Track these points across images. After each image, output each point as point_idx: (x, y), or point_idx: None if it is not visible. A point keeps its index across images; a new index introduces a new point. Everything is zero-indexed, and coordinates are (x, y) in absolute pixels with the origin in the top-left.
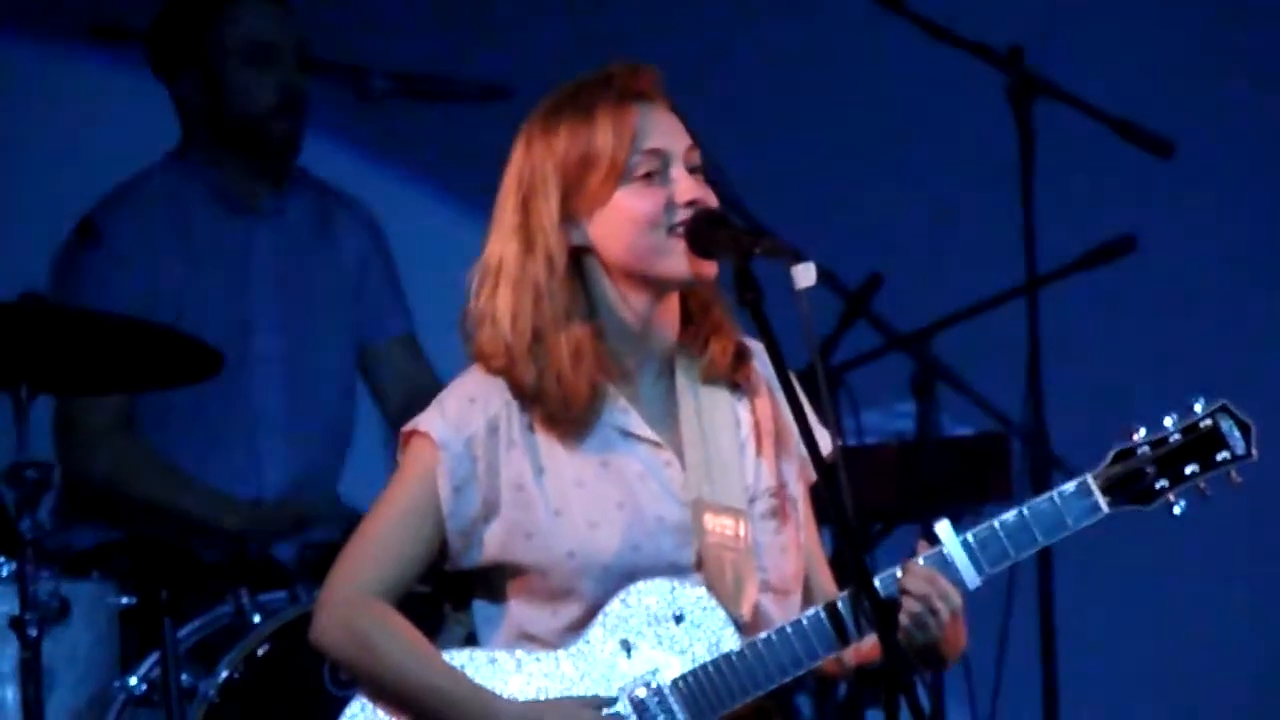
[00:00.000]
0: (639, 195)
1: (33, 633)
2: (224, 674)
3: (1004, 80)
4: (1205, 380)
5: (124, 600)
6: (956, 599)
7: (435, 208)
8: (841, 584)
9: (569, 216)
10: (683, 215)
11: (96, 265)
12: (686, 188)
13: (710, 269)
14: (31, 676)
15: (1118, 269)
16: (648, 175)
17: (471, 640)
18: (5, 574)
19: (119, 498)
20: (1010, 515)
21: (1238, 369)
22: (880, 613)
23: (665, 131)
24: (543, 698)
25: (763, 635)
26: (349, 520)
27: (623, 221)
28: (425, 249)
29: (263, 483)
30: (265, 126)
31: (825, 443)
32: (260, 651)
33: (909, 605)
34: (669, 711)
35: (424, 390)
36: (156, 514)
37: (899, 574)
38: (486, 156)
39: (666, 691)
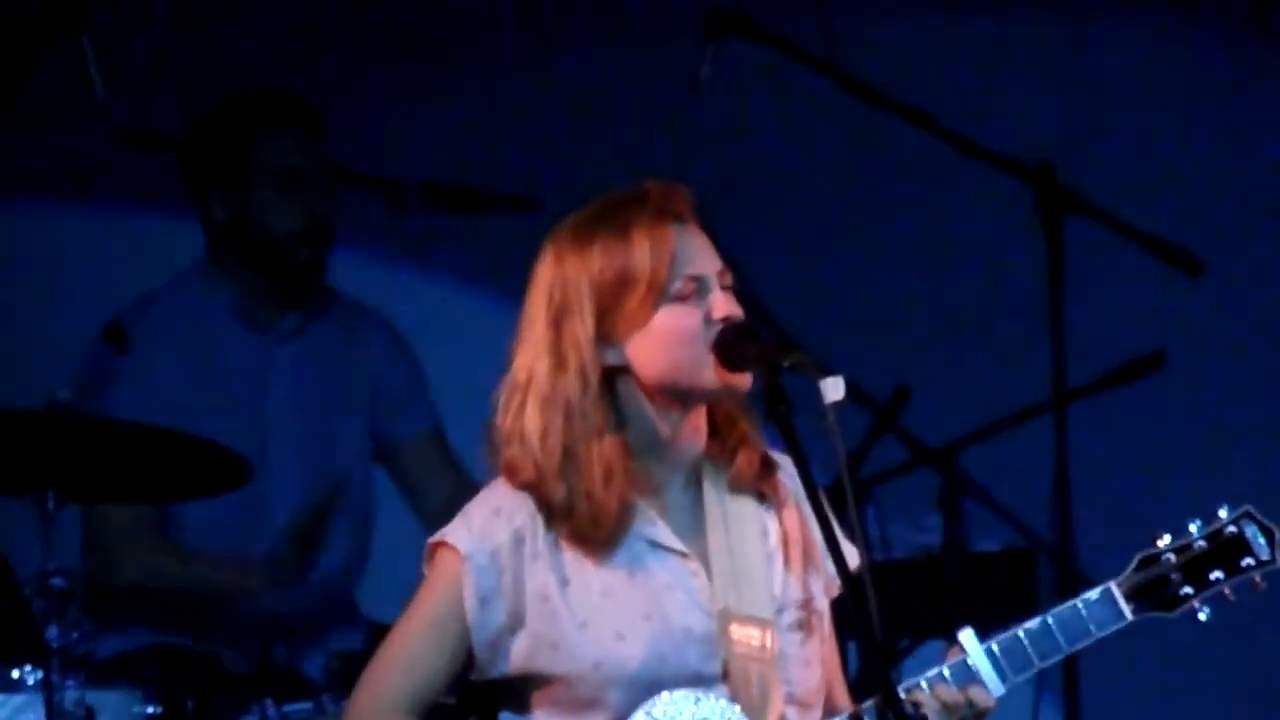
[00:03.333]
0: (679, 315)
1: None
2: None
3: (1034, 195)
4: (1232, 496)
5: (150, 709)
6: (989, 703)
7: (465, 318)
8: (864, 698)
9: (604, 336)
10: (716, 330)
11: (122, 372)
12: (722, 304)
13: (745, 380)
14: None
15: (1146, 385)
16: (685, 297)
17: None
18: (31, 683)
19: (147, 600)
20: (1034, 623)
21: (1265, 486)
22: None
23: (702, 255)
24: None
25: None
26: (373, 629)
27: (663, 341)
28: (453, 359)
29: (280, 593)
30: (289, 251)
31: (852, 557)
32: None
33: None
34: None
35: (452, 484)
36: (187, 606)
37: (927, 689)
38: (516, 267)
39: None
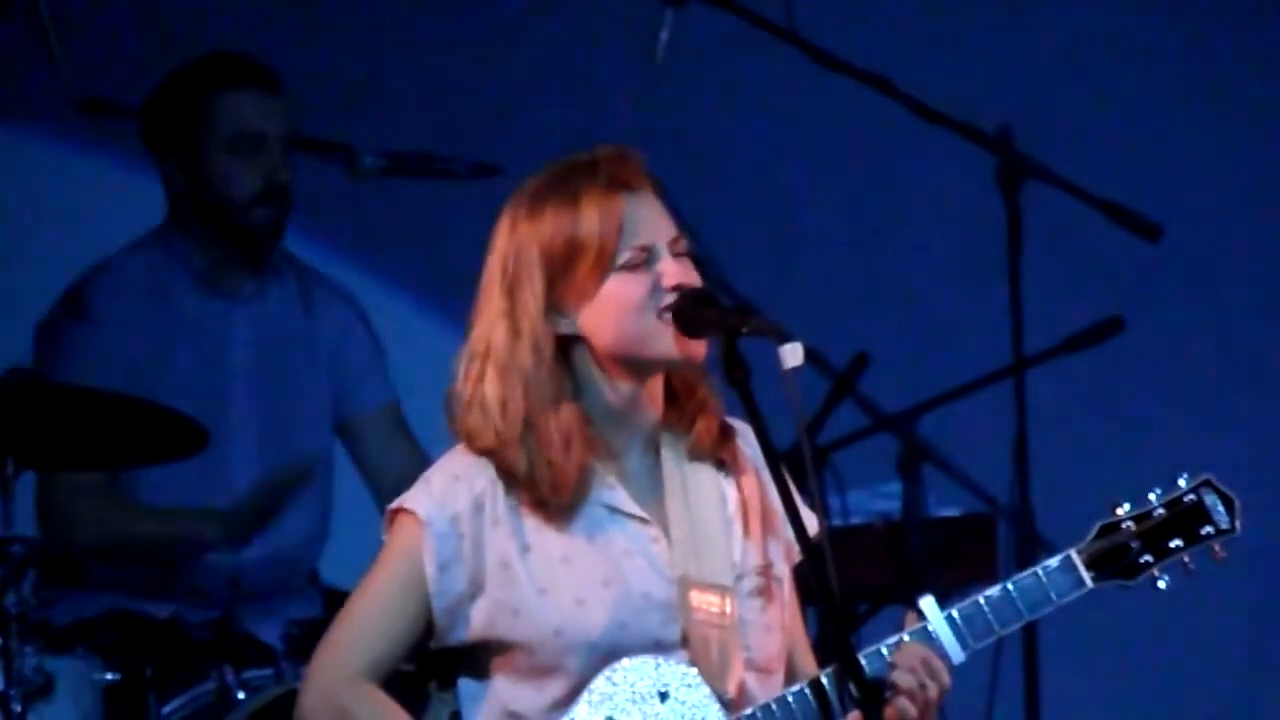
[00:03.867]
0: (626, 283)
1: (17, 709)
2: None
3: (993, 161)
4: (1192, 461)
5: (108, 676)
6: (945, 678)
7: (423, 288)
8: (825, 663)
9: (554, 305)
10: (669, 299)
11: (81, 339)
12: (672, 272)
13: (699, 349)
14: None
15: (1104, 350)
16: (635, 265)
17: (456, 719)
18: None
19: (106, 554)
20: (995, 590)
21: (1223, 451)
22: (866, 693)
23: (652, 224)
24: None
25: (747, 712)
26: (332, 596)
27: (611, 310)
28: (411, 330)
29: (238, 559)
30: (247, 214)
31: (811, 523)
32: None
33: (901, 680)
34: None
35: (409, 458)
36: (142, 553)
37: (886, 651)
38: (474, 234)
39: None
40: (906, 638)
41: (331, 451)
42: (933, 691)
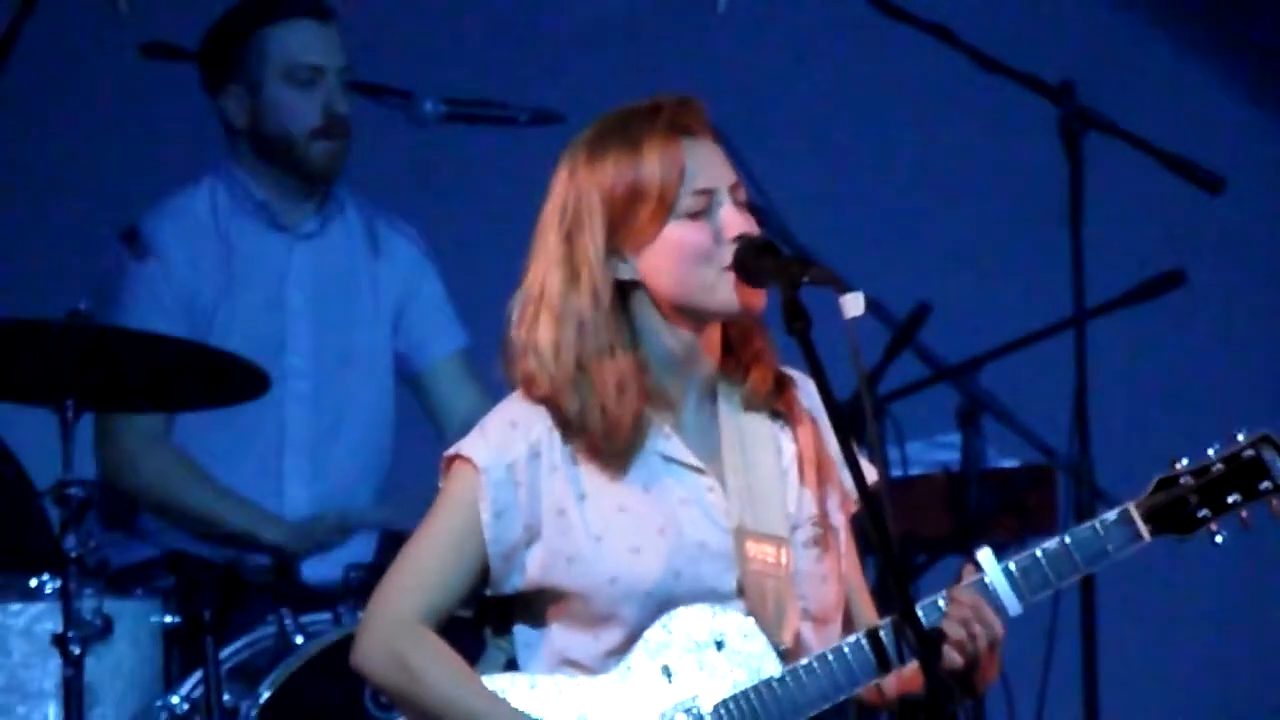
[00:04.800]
0: (688, 231)
1: (76, 650)
2: (265, 694)
3: (1055, 113)
4: (1251, 415)
5: (167, 619)
6: (998, 629)
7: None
8: (884, 614)
9: (615, 250)
10: (730, 251)
11: (143, 277)
12: (734, 222)
13: (759, 299)
14: (74, 694)
15: (1165, 303)
16: (697, 213)
17: (512, 665)
18: (49, 591)
19: (161, 510)
20: (1052, 543)
21: None
22: (923, 643)
23: (713, 169)
24: None
25: (804, 661)
26: (390, 539)
27: (672, 257)
28: (473, 271)
29: (282, 499)
30: (306, 147)
31: (870, 473)
32: (302, 673)
33: (951, 630)
34: None
35: (477, 403)
36: (196, 524)
37: (943, 602)
38: (536, 181)
39: (707, 717)
40: (962, 588)
41: (391, 396)
42: (983, 642)
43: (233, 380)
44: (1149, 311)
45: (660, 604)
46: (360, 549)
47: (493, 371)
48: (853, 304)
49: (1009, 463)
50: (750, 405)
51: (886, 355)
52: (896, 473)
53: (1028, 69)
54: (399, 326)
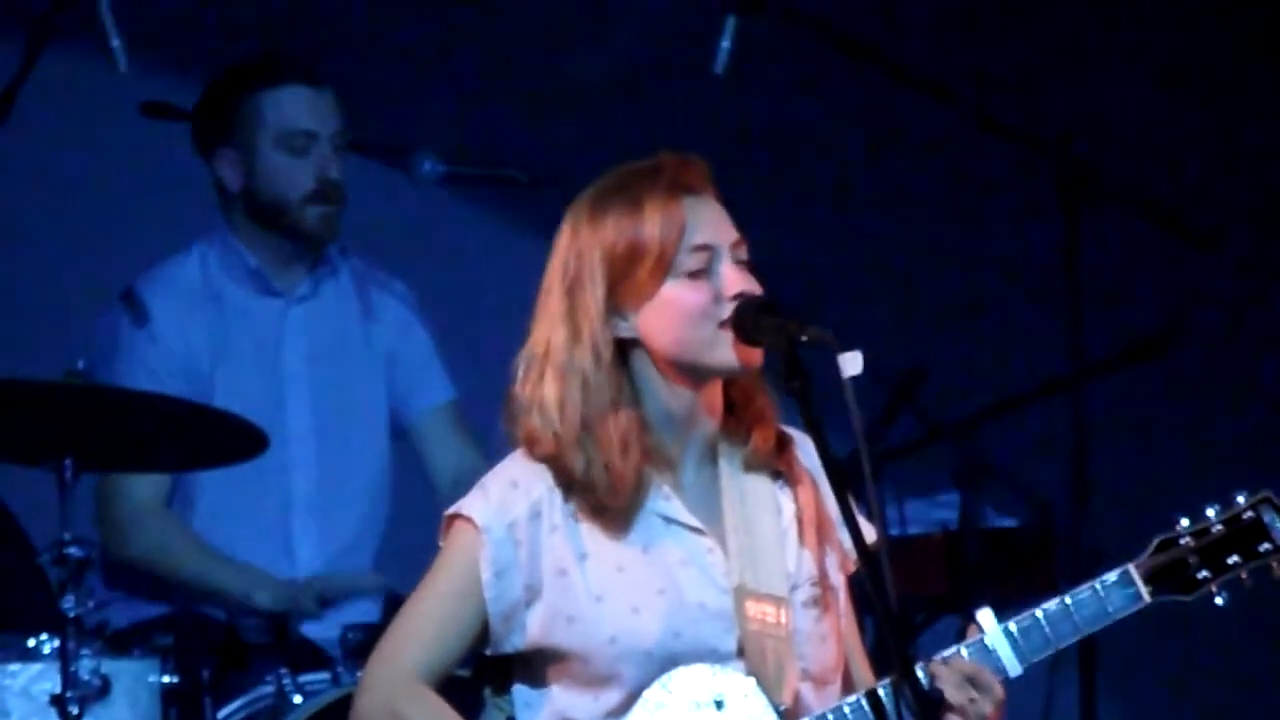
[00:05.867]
0: (687, 289)
1: (74, 710)
2: None
3: (1052, 170)
4: (1251, 475)
5: (165, 679)
6: (999, 691)
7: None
8: (880, 675)
9: (615, 308)
10: (730, 309)
11: (140, 341)
12: (734, 280)
13: (757, 357)
14: None
15: (1164, 363)
16: (696, 272)
17: None
18: (48, 651)
19: (156, 574)
20: (1053, 604)
21: None
22: (923, 704)
23: (713, 226)
24: None
25: None
26: (389, 600)
27: (671, 315)
28: (471, 330)
29: (294, 561)
30: (300, 212)
31: (869, 533)
32: None
33: (952, 695)
34: None
35: (467, 457)
36: (192, 592)
37: (933, 670)
38: (534, 238)
39: None
40: (964, 651)
41: (388, 453)
42: (986, 707)
43: (230, 440)
44: (1147, 369)
45: (660, 664)
46: (362, 609)
47: (487, 427)
48: (851, 363)
49: (1007, 522)
50: (751, 465)
51: (885, 414)
52: (895, 531)
53: (1026, 124)
54: (390, 380)
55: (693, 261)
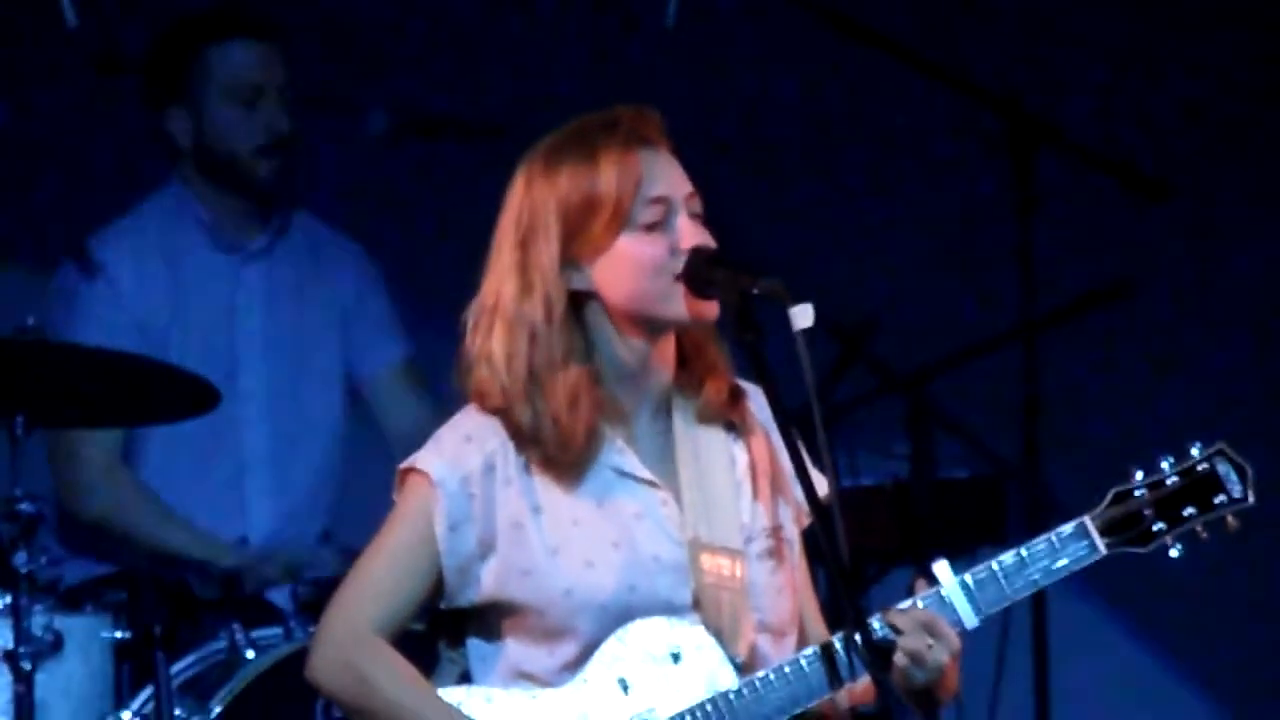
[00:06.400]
0: (643, 242)
1: (26, 666)
2: (217, 709)
3: (1003, 124)
4: (1201, 425)
5: (118, 634)
6: (955, 641)
7: (440, 245)
8: (834, 627)
9: (569, 260)
10: (684, 261)
11: (94, 298)
12: (689, 233)
13: (711, 310)
14: (25, 710)
15: (1114, 313)
16: (652, 224)
17: (466, 679)
18: (0, 607)
19: (113, 534)
20: (1008, 556)
21: (1234, 414)
22: (875, 655)
23: (669, 179)
24: None
25: (760, 674)
26: (345, 557)
27: (627, 267)
28: (429, 285)
29: (248, 520)
30: (250, 166)
31: (821, 485)
32: (253, 687)
33: (906, 645)
34: None
35: (425, 414)
36: (149, 552)
37: (890, 619)
38: (486, 193)
39: None
40: (920, 603)
41: (342, 410)
42: (942, 655)
43: (182, 395)
44: (1098, 321)
45: (616, 617)
46: (316, 565)
47: (443, 383)
48: (801, 316)
49: (959, 473)
50: (704, 418)
51: (836, 367)
52: (846, 483)
53: (976, 79)
54: (345, 339)
55: (648, 214)
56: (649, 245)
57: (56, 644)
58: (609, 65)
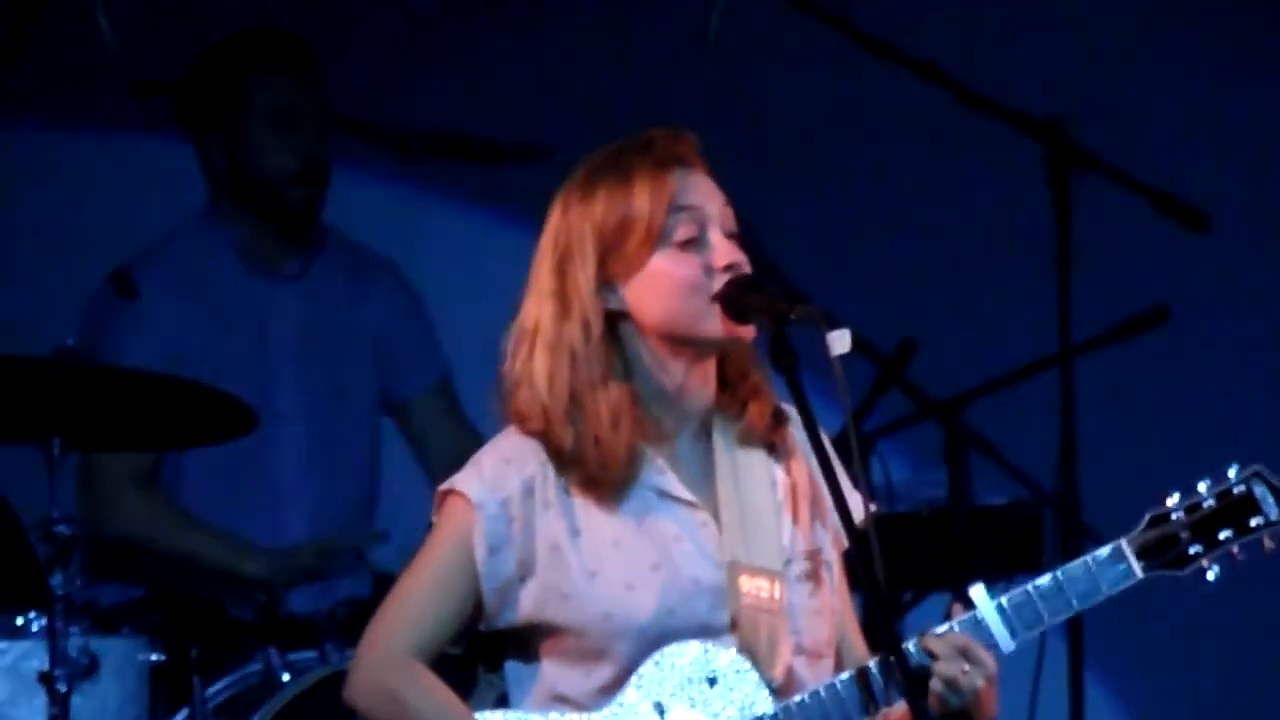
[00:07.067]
0: (677, 260)
1: (62, 688)
2: None
3: (1041, 149)
4: (1238, 451)
5: (153, 657)
6: (991, 665)
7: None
8: (873, 651)
9: (606, 281)
10: (720, 281)
11: (130, 320)
12: (723, 252)
13: (748, 331)
14: None
15: (1152, 340)
16: (685, 242)
17: (503, 702)
18: (36, 629)
19: (138, 552)
20: (1045, 580)
21: (1272, 439)
22: (910, 680)
23: (702, 195)
24: None
25: (796, 698)
26: (378, 579)
27: (661, 286)
28: (464, 308)
29: (282, 540)
30: (284, 192)
31: (858, 509)
32: (288, 710)
33: (941, 670)
34: None
35: (459, 437)
36: (176, 565)
37: (926, 644)
38: (527, 215)
39: None
40: (956, 627)
41: (378, 431)
42: (978, 680)
43: (220, 417)
44: (1136, 347)
45: (654, 640)
46: (351, 586)
47: (475, 405)
48: (839, 341)
49: (996, 499)
50: (746, 440)
51: (873, 391)
52: (883, 509)
53: (1016, 103)
54: (380, 360)
55: (681, 231)
56: (683, 264)
57: (92, 666)
58: (647, 90)
